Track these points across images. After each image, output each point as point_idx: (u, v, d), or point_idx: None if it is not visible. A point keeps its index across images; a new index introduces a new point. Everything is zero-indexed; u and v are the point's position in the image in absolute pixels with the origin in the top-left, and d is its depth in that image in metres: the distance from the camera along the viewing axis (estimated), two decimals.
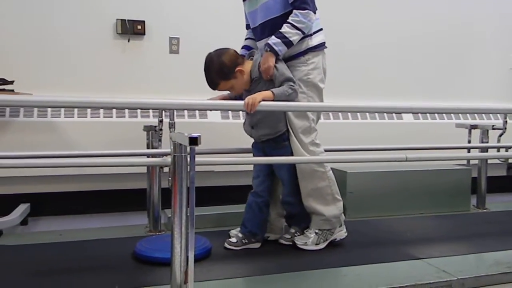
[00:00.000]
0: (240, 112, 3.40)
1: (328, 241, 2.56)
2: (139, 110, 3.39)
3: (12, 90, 3.02)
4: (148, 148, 2.82)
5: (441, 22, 4.31)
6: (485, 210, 3.57)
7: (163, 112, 2.73)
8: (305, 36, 2.44)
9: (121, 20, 3.47)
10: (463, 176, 3.53)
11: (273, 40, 2.37)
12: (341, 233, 2.61)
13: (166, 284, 1.89)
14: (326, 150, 2.59)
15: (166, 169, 2.46)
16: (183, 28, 3.64)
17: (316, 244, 2.52)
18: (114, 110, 3.36)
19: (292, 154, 2.48)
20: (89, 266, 2.26)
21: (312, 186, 2.51)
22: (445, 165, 3.62)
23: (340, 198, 2.58)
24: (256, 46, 2.59)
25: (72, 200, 3.40)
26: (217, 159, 2.57)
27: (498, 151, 3.41)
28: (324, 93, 2.55)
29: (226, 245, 2.53)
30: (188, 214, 1.79)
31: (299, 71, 2.47)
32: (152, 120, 3.05)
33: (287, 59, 2.47)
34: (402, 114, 4.02)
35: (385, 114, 3.92)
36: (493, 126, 3.49)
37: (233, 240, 2.54)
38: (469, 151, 3.50)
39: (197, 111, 3.48)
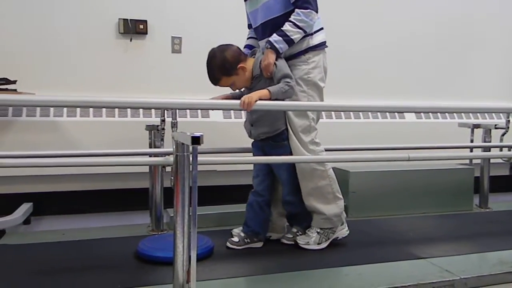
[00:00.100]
0: (242, 111, 3.40)
1: (330, 240, 2.55)
2: (141, 110, 3.39)
3: (15, 90, 3.02)
4: (150, 147, 2.82)
5: (441, 22, 4.30)
6: (487, 210, 3.56)
7: (165, 111, 2.73)
8: (306, 35, 2.44)
9: (123, 19, 3.48)
10: (466, 175, 3.52)
11: (274, 37, 2.38)
12: (343, 231, 2.60)
13: (169, 283, 1.89)
14: (328, 150, 2.59)
15: (168, 169, 2.48)
16: (185, 27, 3.65)
17: (318, 244, 2.52)
18: (116, 110, 3.36)
19: (291, 154, 2.48)
20: (92, 265, 2.26)
21: (312, 185, 2.51)
22: (448, 165, 3.61)
23: (341, 197, 2.58)
24: (258, 45, 2.59)
25: (74, 200, 3.41)
26: (219, 158, 2.56)
27: (501, 150, 3.39)
28: (325, 93, 2.55)
29: (228, 244, 2.53)
30: (190, 214, 1.80)
31: (299, 70, 2.47)
32: (154, 120, 3.05)
33: (288, 58, 2.46)
34: (405, 114, 4.02)
35: (387, 113, 3.92)
36: (495, 125, 3.47)
37: (235, 239, 2.54)
38: (471, 151, 3.50)
39: (199, 111, 3.48)
